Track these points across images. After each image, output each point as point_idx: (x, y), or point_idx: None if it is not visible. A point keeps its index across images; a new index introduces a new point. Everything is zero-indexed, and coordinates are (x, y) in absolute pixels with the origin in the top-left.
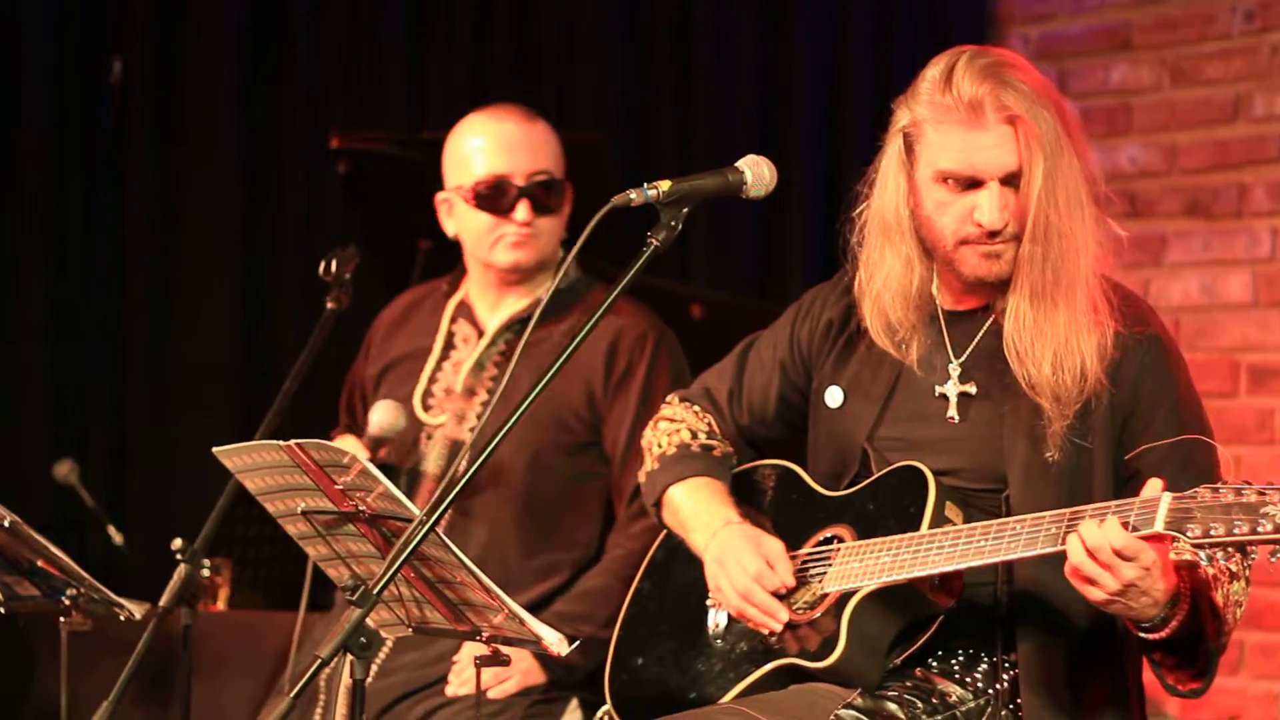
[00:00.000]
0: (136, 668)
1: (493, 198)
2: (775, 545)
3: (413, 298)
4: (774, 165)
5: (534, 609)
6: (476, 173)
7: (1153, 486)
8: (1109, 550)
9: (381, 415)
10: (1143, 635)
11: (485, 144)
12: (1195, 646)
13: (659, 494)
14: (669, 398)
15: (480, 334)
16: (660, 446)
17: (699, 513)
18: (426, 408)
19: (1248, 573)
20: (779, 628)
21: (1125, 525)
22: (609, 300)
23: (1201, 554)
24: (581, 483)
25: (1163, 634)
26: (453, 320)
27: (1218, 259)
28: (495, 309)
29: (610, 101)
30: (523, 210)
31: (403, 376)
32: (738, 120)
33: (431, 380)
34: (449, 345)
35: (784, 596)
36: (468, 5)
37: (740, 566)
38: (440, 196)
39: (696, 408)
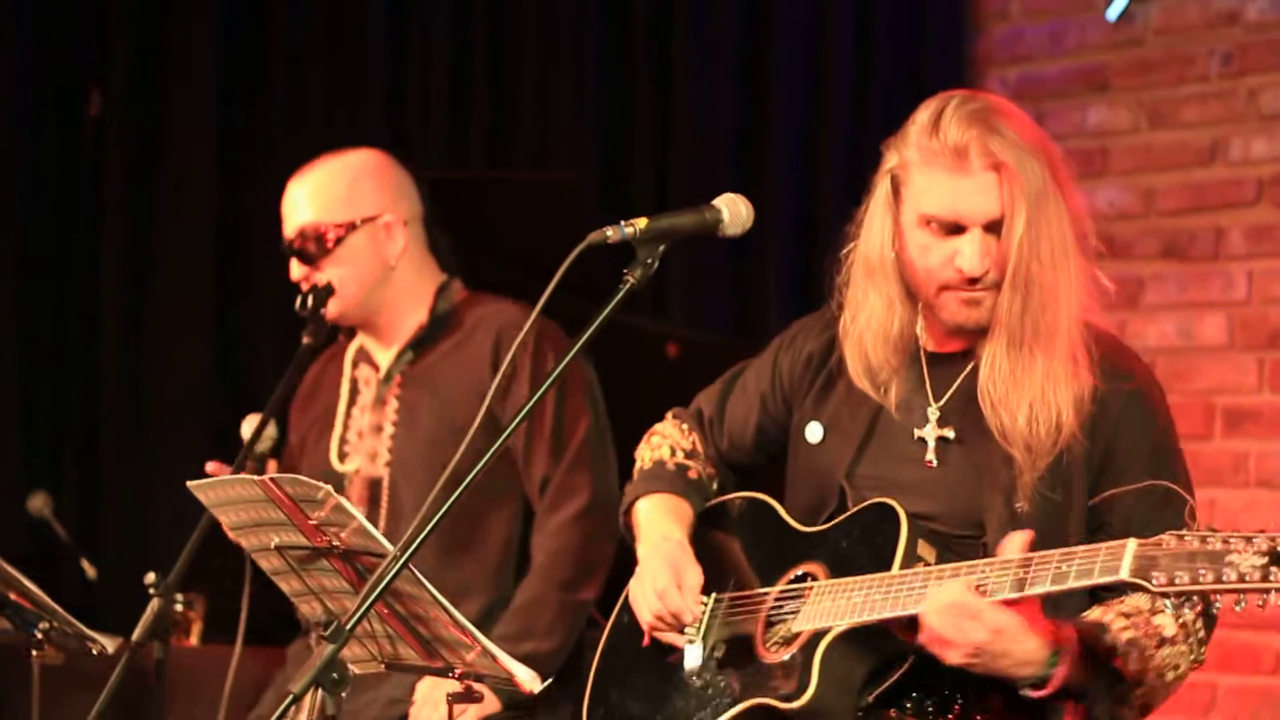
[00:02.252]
0: (109, 702)
1: (288, 264)
2: (693, 575)
3: (322, 362)
4: (751, 204)
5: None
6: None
7: (1011, 543)
8: (950, 610)
9: (250, 427)
10: (1026, 693)
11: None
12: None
13: (628, 505)
14: (667, 414)
15: (377, 370)
16: (642, 460)
17: (648, 525)
18: (343, 456)
19: (1200, 634)
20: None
21: (1090, 572)
22: (586, 335)
23: (1167, 605)
24: (496, 491)
25: (1045, 692)
26: (354, 366)
27: (1194, 301)
28: (386, 344)
29: (589, 139)
30: (294, 268)
31: (320, 433)
32: (715, 159)
33: (345, 429)
34: (354, 390)
35: (744, 634)
36: (445, 45)
37: (651, 582)
38: None
39: (685, 425)
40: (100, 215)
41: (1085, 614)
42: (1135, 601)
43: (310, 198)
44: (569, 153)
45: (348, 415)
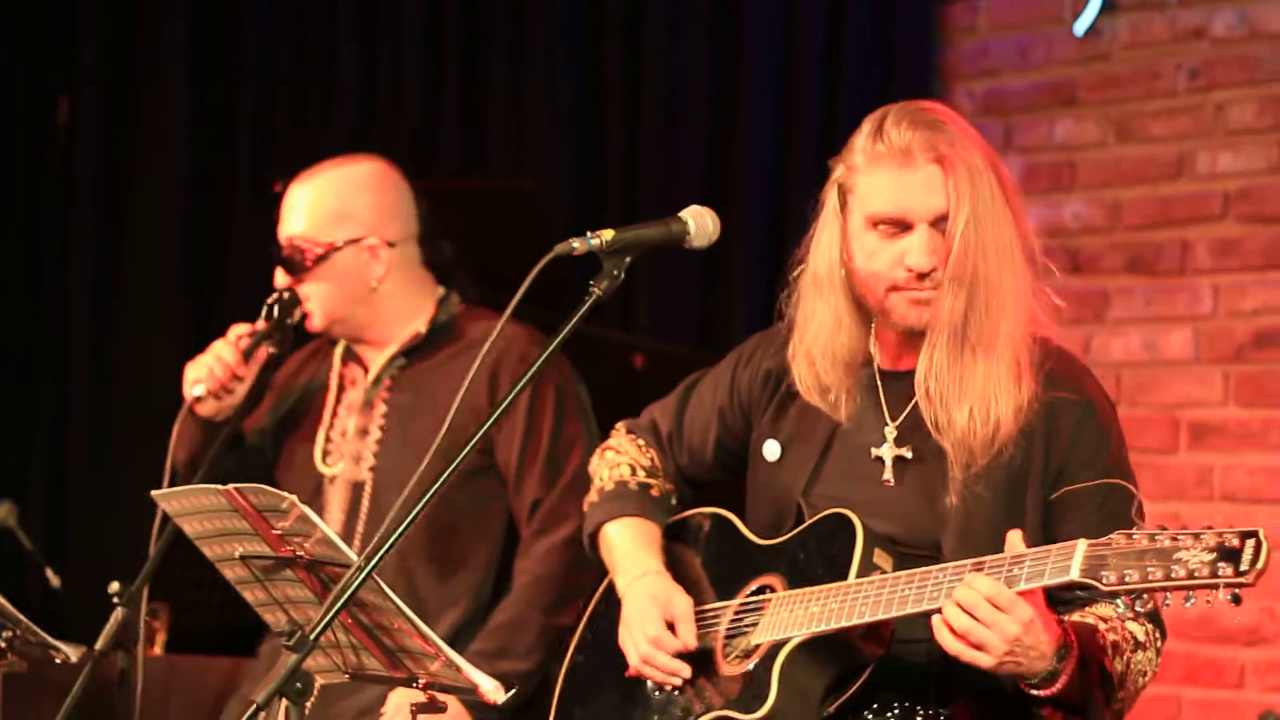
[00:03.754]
0: (72, 712)
1: (273, 269)
2: (682, 605)
3: (306, 352)
4: (717, 216)
5: (451, 642)
6: None
7: (1013, 541)
8: (987, 605)
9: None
10: (1032, 692)
11: None
12: (1084, 708)
13: (594, 528)
14: (616, 426)
15: (366, 372)
16: (601, 480)
17: (624, 557)
18: (325, 454)
19: (1158, 644)
20: (679, 683)
21: (1041, 573)
22: (551, 347)
23: (1119, 604)
24: (481, 508)
25: (1052, 690)
26: (343, 364)
27: (1160, 315)
28: (376, 349)
29: (557, 149)
30: (278, 275)
31: (301, 425)
32: (684, 171)
33: (330, 427)
34: (341, 388)
35: (704, 648)
36: (416, 50)
37: (642, 630)
38: None
39: (641, 441)
40: (69, 222)
41: (1067, 616)
42: (1103, 610)
43: (304, 208)
44: (539, 164)
45: (333, 415)
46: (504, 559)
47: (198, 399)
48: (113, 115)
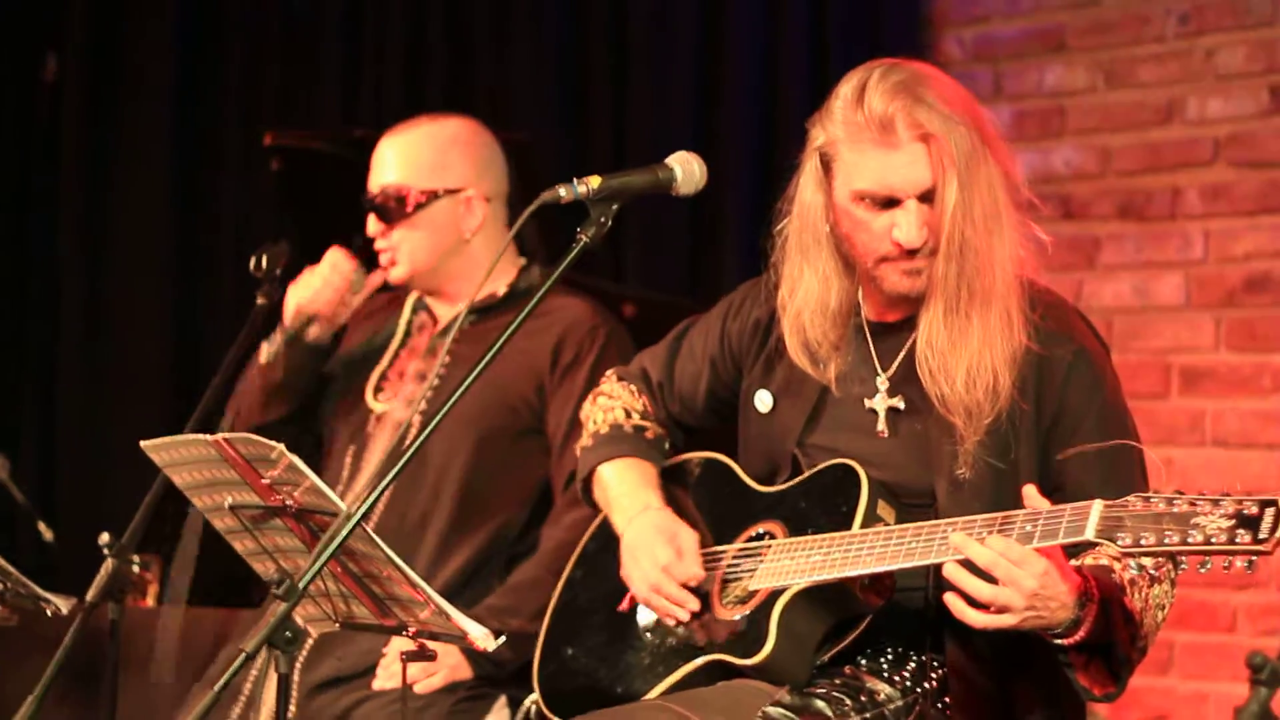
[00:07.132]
0: (62, 663)
1: (364, 218)
2: (689, 537)
3: (380, 300)
4: (704, 162)
5: (460, 583)
6: None
7: (1030, 495)
8: (1004, 562)
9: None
10: (1056, 642)
11: None
12: (1108, 650)
13: (589, 471)
14: (608, 373)
15: (436, 322)
16: (595, 423)
17: (622, 494)
18: (379, 390)
19: (1174, 575)
20: (686, 617)
21: (1055, 533)
22: (538, 296)
23: (1132, 565)
24: (521, 465)
25: (1076, 638)
26: (414, 311)
27: (1150, 261)
28: (449, 304)
29: (545, 99)
30: (370, 223)
31: (362, 363)
32: (672, 118)
33: (389, 366)
34: (408, 333)
35: (700, 591)
36: (402, 4)
37: (651, 557)
38: None
39: (633, 387)
40: (58, 179)
41: (1079, 560)
42: (1113, 550)
43: (399, 158)
44: (527, 112)
45: (395, 356)
46: (530, 524)
47: (310, 321)
48: (101, 72)
